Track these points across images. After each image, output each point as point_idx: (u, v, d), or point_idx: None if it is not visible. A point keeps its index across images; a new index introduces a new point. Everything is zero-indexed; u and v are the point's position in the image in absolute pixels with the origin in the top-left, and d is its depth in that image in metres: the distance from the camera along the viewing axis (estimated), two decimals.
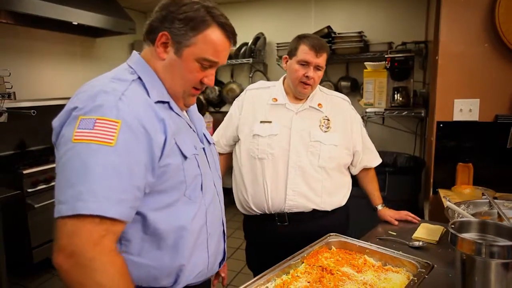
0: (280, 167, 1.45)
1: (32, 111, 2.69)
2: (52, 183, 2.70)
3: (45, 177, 2.66)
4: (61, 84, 3.48)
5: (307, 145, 1.45)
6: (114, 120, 0.76)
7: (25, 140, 3.16)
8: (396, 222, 1.56)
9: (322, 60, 1.43)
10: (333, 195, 1.50)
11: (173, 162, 0.87)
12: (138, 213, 0.83)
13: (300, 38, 1.45)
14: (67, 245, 0.71)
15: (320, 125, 1.49)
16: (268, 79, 3.90)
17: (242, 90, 4.04)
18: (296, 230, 1.43)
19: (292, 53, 1.46)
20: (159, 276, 0.89)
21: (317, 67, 1.43)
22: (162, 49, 0.88)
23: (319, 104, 1.52)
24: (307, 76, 1.42)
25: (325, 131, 1.48)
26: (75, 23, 2.98)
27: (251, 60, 3.73)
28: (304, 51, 1.42)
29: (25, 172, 2.55)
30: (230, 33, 0.91)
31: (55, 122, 0.81)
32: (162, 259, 0.88)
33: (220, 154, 1.62)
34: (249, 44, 3.76)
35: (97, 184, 0.72)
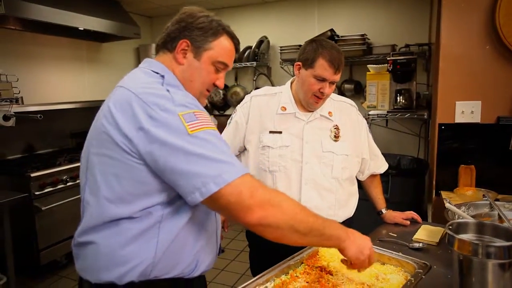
0: (293, 180, 1.41)
1: (39, 115, 2.74)
2: (59, 186, 2.75)
3: (52, 180, 2.71)
4: (68, 88, 3.54)
5: (320, 156, 1.41)
6: (200, 111, 0.89)
7: (33, 143, 3.22)
8: (408, 222, 1.54)
9: (339, 76, 1.37)
10: (344, 206, 1.48)
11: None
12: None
13: (318, 49, 1.34)
14: (257, 199, 0.83)
15: (330, 135, 1.44)
16: (271, 82, 3.93)
17: (246, 93, 4.12)
18: None
19: (308, 63, 1.36)
20: (185, 260, 0.94)
21: (332, 82, 1.37)
22: (182, 55, 1.00)
23: (329, 113, 1.47)
24: (322, 92, 1.36)
25: (336, 141, 1.44)
26: (81, 29, 3.04)
27: (255, 63, 3.76)
28: (323, 67, 1.33)
29: (32, 175, 2.60)
30: (236, 41, 1.06)
31: (148, 125, 0.85)
32: (193, 237, 0.95)
33: None
34: (253, 47, 3.79)
35: (230, 153, 0.87)
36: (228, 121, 1.58)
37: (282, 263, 1.10)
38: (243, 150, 1.53)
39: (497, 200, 1.58)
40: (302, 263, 1.13)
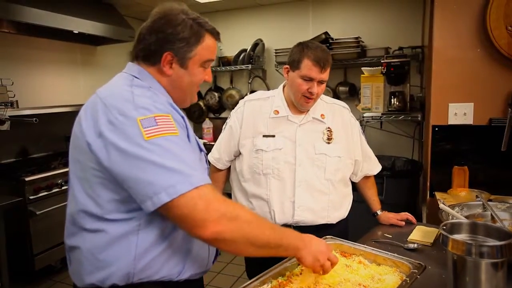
0: (286, 182, 1.42)
1: (34, 119, 2.73)
2: (54, 190, 2.74)
3: (47, 184, 2.70)
4: (62, 91, 3.53)
5: (313, 158, 1.43)
6: (166, 115, 0.86)
7: (27, 147, 3.20)
8: (403, 223, 1.55)
9: (326, 74, 1.39)
10: (338, 208, 1.49)
11: (196, 154, 0.97)
12: None
13: (303, 50, 1.37)
14: (212, 212, 0.80)
15: (323, 137, 1.46)
16: (267, 85, 3.94)
17: (241, 96, 4.15)
18: None
19: (294, 65, 1.39)
20: (171, 260, 0.93)
21: (320, 81, 1.39)
22: (168, 66, 0.97)
23: (321, 115, 1.48)
24: (310, 92, 1.38)
25: (328, 143, 1.45)
26: (76, 32, 3.03)
27: (250, 66, 3.77)
28: (308, 67, 1.36)
29: (27, 179, 2.58)
30: (217, 35, 1.03)
31: (108, 131, 0.83)
32: (176, 241, 0.94)
33: (220, 170, 1.60)
34: (248, 50, 3.80)
35: (190, 163, 0.83)
36: (224, 126, 1.59)
37: (279, 265, 1.11)
38: (238, 155, 1.53)
39: (490, 200, 1.60)
40: (299, 264, 1.13)
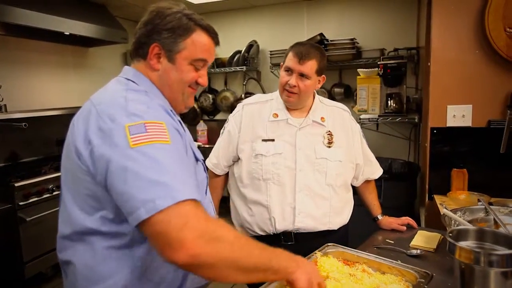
0: (287, 187, 1.39)
1: (24, 124, 2.65)
2: (45, 195, 2.66)
3: (37, 189, 2.62)
4: (54, 94, 3.45)
5: (313, 163, 1.40)
6: (158, 122, 0.80)
7: (17, 151, 3.11)
8: (404, 228, 1.53)
9: (306, 68, 1.35)
10: (340, 214, 1.47)
11: (192, 162, 0.93)
12: None
13: (292, 46, 1.41)
14: (187, 233, 0.69)
15: (323, 141, 1.43)
16: (261, 87, 3.91)
17: (235, 98, 4.11)
18: (300, 248, 1.33)
19: (283, 61, 1.43)
20: (168, 274, 0.89)
21: (301, 75, 1.36)
22: (156, 60, 0.93)
23: (322, 118, 1.46)
24: (288, 84, 1.36)
25: (329, 147, 1.43)
26: (67, 33, 2.96)
27: (244, 68, 3.74)
28: (288, 58, 1.38)
29: (16, 184, 2.50)
30: (212, 33, 0.98)
31: (96, 138, 0.79)
32: None
33: (218, 176, 1.56)
34: (242, 52, 3.77)
35: (178, 175, 0.75)
36: (221, 130, 1.56)
37: None
38: (236, 160, 1.50)
39: (490, 203, 1.58)
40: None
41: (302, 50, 1.36)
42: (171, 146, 0.79)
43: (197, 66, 0.95)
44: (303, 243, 1.39)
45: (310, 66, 1.36)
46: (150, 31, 0.92)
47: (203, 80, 0.98)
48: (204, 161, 1.06)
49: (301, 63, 1.35)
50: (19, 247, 2.52)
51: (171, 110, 0.95)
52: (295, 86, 1.36)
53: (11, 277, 2.58)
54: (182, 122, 0.99)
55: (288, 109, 1.45)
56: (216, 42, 0.99)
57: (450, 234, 1.02)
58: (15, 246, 2.53)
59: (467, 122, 1.97)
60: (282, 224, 1.39)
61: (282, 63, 1.44)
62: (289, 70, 1.38)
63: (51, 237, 2.83)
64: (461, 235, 1.04)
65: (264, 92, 3.91)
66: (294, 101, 1.41)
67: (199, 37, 0.94)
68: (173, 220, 0.70)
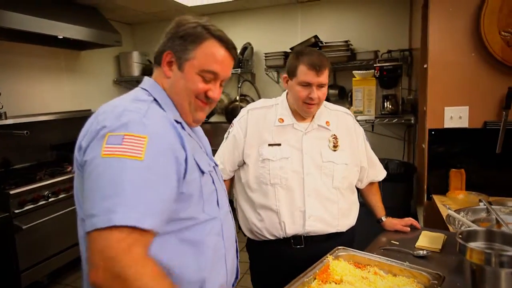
0: (295, 192, 1.39)
1: (26, 131, 2.60)
2: (40, 202, 2.61)
3: (32, 196, 2.57)
4: (47, 98, 3.39)
5: (320, 166, 1.41)
6: (141, 136, 0.78)
7: (10, 157, 3.04)
8: (408, 229, 1.55)
9: (324, 77, 1.36)
10: (347, 216, 1.48)
11: (195, 177, 0.90)
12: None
13: (298, 57, 1.37)
14: (100, 259, 0.70)
15: (329, 144, 1.44)
16: (256, 89, 3.92)
17: (230, 100, 4.11)
18: (310, 250, 1.38)
19: (291, 73, 1.39)
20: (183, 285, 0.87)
21: (319, 86, 1.36)
22: (168, 67, 0.94)
23: (327, 122, 1.47)
24: (310, 98, 1.36)
25: (335, 150, 1.44)
26: (60, 37, 2.92)
27: (239, 70, 3.73)
28: (303, 72, 1.34)
29: (11, 192, 2.45)
30: (228, 45, 0.95)
31: (84, 143, 0.81)
32: (187, 270, 0.88)
33: (224, 180, 1.57)
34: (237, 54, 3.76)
35: (129, 196, 0.73)
36: (225, 135, 1.55)
37: (296, 280, 1.08)
38: (242, 164, 1.50)
39: (490, 203, 1.63)
40: (315, 278, 1.11)
41: (315, 61, 1.34)
42: (142, 163, 0.76)
43: (206, 77, 0.92)
44: (313, 246, 1.40)
45: (326, 74, 1.37)
46: (168, 39, 0.94)
47: (213, 94, 0.94)
48: (213, 171, 1.01)
49: (319, 75, 1.34)
50: (15, 256, 2.47)
51: (181, 123, 0.93)
52: (317, 97, 1.36)
53: (7, 286, 2.53)
54: (192, 134, 0.97)
55: (294, 114, 1.46)
56: (233, 54, 0.96)
57: (460, 236, 1.05)
58: (11, 255, 2.47)
59: (464, 123, 2.01)
60: (292, 228, 1.40)
61: (285, 75, 1.43)
62: (306, 85, 1.35)
63: (48, 244, 2.78)
64: (470, 236, 1.06)
65: (258, 94, 3.92)
66: (315, 111, 1.43)
67: (211, 48, 0.91)
68: (98, 243, 0.70)
